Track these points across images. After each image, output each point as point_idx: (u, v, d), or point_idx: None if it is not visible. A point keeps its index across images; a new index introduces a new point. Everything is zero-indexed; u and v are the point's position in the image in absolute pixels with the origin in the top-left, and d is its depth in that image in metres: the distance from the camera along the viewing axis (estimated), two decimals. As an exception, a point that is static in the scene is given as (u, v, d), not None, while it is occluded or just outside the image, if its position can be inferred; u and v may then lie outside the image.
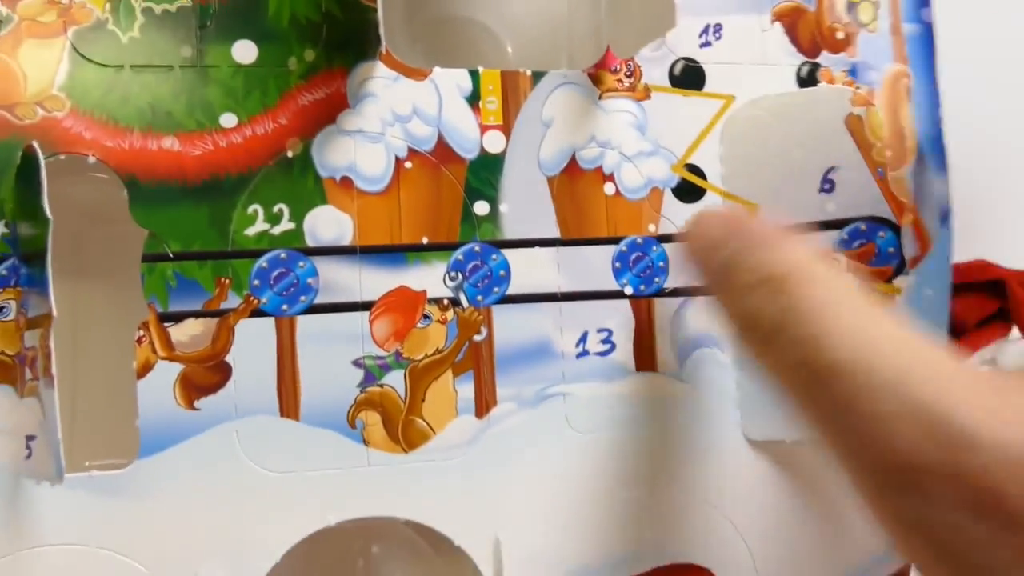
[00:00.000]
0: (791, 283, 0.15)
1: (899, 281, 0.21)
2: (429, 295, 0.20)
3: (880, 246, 0.21)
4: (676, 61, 0.22)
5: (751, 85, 0.22)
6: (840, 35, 0.23)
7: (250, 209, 0.19)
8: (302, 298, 0.19)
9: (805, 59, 0.23)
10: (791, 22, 0.23)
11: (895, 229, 0.21)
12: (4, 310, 0.18)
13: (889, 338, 0.14)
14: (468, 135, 0.20)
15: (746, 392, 0.22)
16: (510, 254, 0.21)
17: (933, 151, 0.23)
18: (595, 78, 0.21)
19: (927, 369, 0.13)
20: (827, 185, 0.22)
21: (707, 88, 0.22)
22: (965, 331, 0.45)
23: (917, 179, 0.23)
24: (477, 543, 0.19)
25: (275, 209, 0.19)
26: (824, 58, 0.23)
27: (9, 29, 0.18)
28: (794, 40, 0.23)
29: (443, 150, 0.20)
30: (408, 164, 0.20)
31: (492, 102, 0.21)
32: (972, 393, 0.13)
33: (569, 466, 0.20)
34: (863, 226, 0.21)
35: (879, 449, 0.13)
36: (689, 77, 0.22)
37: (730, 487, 0.22)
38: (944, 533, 0.12)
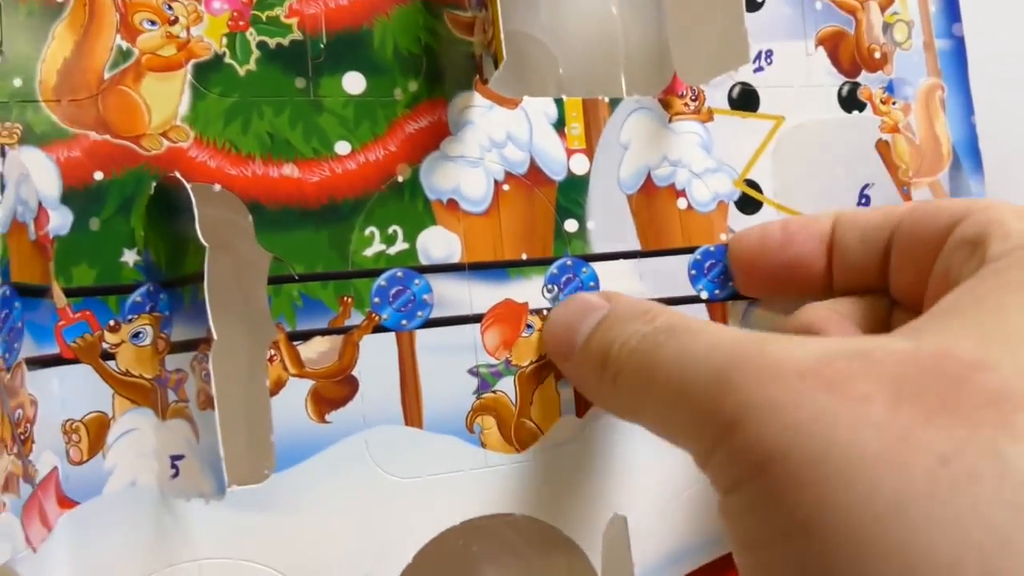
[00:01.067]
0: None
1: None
2: (531, 306, 0.22)
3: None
4: (734, 85, 0.24)
5: (798, 105, 0.25)
6: (877, 55, 0.26)
7: (367, 231, 0.20)
8: (419, 313, 0.21)
9: (845, 79, 0.25)
10: (833, 45, 0.25)
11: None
12: (140, 335, 0.19)
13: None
14: (556, 159, 0.22)
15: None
16: (598, 267, 0.22)
17: (968, 156, 0.26)
18: (665, 103, 0.23)
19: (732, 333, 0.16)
20: (864, 199, 0.25)
21: (761, 110, 0.24)
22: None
23: (954, 183, 0.25)
24: (585, 530, 0.21)
25: (390, 231, 0.21)
26: (863, 77, 0.25)
27: (130, 63, 0.19)
28: (835, 62, 0.25)
29: (535, 173, 0.22)
30: (506, 187, 0.22)
31: (575, 128, 0.22)
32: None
33: (660, 452, 0.22)
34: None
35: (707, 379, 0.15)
36: (745, 100, 0.24)
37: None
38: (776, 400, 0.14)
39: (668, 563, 0.22)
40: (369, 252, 0.20)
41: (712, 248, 0.23)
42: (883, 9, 0.26)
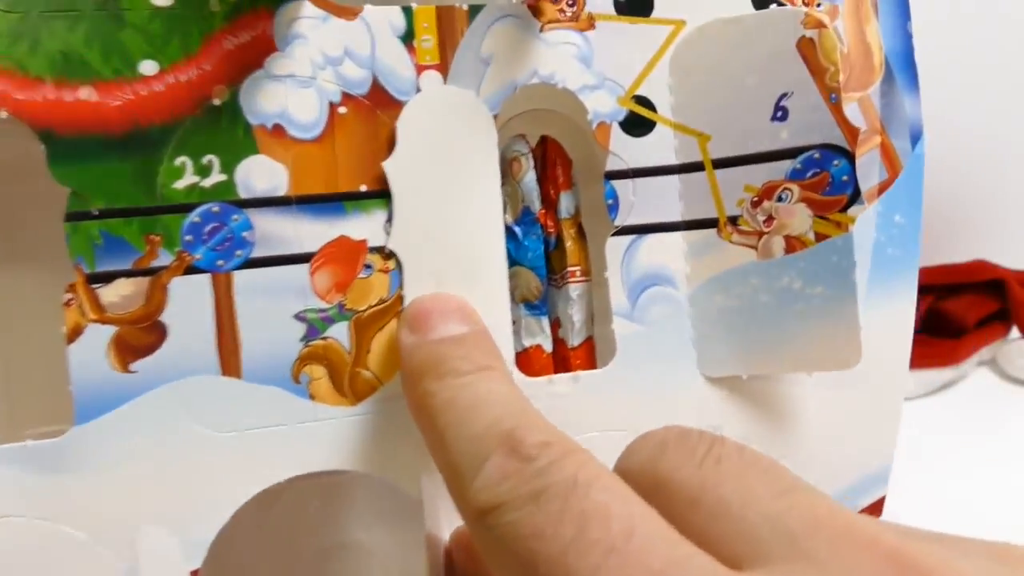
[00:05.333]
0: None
1: (854, 211, 0.20)
2: (370, 244, 0.19)
3: (834, 175, 0.20)
4: (622, -13, 0.21)
5: (703, 8, 0.21)
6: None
7: (177, 161, 0.18)
8: (238, 252, 0.19)
9: (761, -19, 0.22)
10: (743, -58, 0.22)
11: (849, 157, 0.20)
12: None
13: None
14: (403, 76, 0.20)
15: (700, 329, 0.21)
16: (454, 198, 0.20)
17: (902, 69, 0.22)
18: (535, 9, 0.20)
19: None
20: (780, 112, 0.21)
21: (655, 14, 0.21)
22: (965, 331, 0.45)
23: (885, 99, 0.22)
24: (429, 489, 0.19)
25: (204, 161, 0.18)
26: (779, -23, 0.22)
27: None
28: (748, -39, 0.22)
29: (378, 93, 0.19)
30: (342, 109, 0.19)
31: (427, 40, 0.20)
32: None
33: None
34: (817, 154, 0.20)
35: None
36: (635, 3, 0.21)
37: (694, 425, 0.21)
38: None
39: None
40: (180, 185, 0.18)
41: (588, 176, 0.21)
42: None
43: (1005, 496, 0.31)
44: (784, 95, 0.21)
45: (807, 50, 0.21)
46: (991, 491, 0.31)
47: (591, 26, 0.21)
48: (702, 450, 0.13)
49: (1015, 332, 0.47)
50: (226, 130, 0.19)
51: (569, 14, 0.21)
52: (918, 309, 0.24)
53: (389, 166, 0.19)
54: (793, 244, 0.21)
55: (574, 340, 0.21)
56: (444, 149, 0.19)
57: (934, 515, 0.26)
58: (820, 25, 0.20)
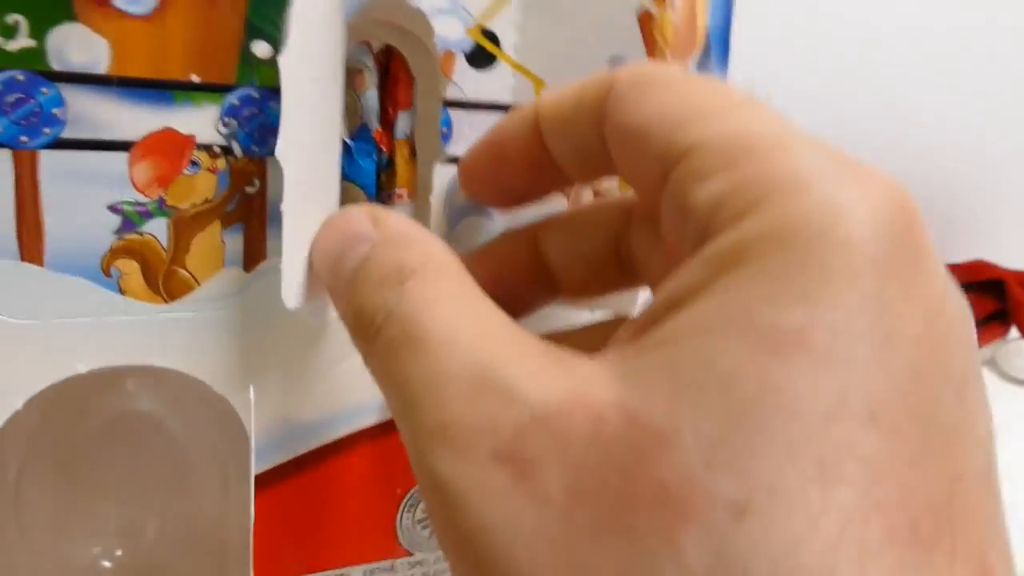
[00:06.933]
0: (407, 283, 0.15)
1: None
2: (198, 140, 0.19)
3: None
4: (486, -87, 0.21)
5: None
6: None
7: (-26, 16, 0.16)
8: (46, 130, 0.17)
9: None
10: None
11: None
12: None
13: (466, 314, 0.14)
14: (252, -38, 0.18)
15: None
16: (290, 103, 0.19)
17: (718, 43, 0.24)
18: (400, -82, 0.20)
19: (481, 332, 0.13)
20: (610, 71, 0.23)
21: (514, -52, 0.21)
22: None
23: (701, 69, 0.24)
24: (235, 390, 0.20)
25: (9, 20, 0.16)
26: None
27: None
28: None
29: (221, -25, 0.18)
30: (179, -13, 0.18)
31: (283, -74, 0.18)
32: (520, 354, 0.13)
33: (331, 318, 0.21)
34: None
35: (426, 405, 0.13)
36: (497, -66, 0.21)
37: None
38: (468, 484, 0.12)
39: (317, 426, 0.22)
40: (-22, 44, 0.16)
41: (428, 102, 0.21)
42: None
43: (1005, 496, 0.34)
44: (616, 57, 0.23)
45: (645, 22, 0.22)
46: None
47: (453, -54, 0.21)
48: None
49: (1014, 332, 0.46)
50: (38, -13, 0.16)
51: (433, -70, 0.20)
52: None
53: (284, 62, 0.18)
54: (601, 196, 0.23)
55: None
56: (316, 52, 0.19)
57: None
58: (662, 3, 0.22)
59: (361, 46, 0.21)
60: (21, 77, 0.17)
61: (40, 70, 0.17)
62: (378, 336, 0.15)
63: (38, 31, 0.17)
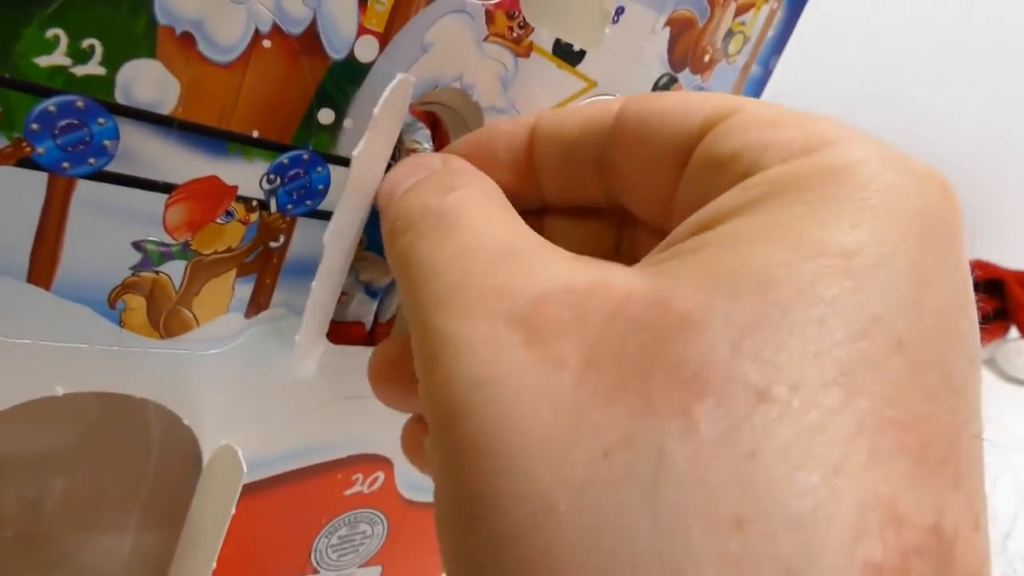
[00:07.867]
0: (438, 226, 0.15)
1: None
2: (240, 192, 0.18)
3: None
4: (569, 30, 0.21)
5: (616, 78, 0.22)
6: (707, 58, 0.24)
7: (49, 33, 0.14)
8: (91, 160, 0.16)
9: (669, 71, 0.23)
10: (678, 31, 0.23)
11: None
12: None
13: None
14: (344, 32, 0.18)
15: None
16: (336, 171, 0.19)
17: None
18: (490, 16, 0.20)
19: (513, 230, 0.14)
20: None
21: (581, 67, 0.22)
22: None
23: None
24: (215, 429, 0.20)
25: (85, 44, 0.15)
26: (684, 75, 0.24)
27: None
28: (670, 49, 0.23)
29: (311, 40, 0.17)
30: (267, 43, 0.17)
31: (381, 4, 0.18)
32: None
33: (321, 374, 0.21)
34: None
35: (447, 272, 0.13)
36: (571, 52, 0.21)
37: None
38: (478, 341, 0.12)
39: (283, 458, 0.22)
40: (44, 61, 0.15)
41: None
42: (737, 14, 0.24)
43: (1004, 496, 0.32)
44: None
45: None
46: (990, 491, 0.38)
47: (527, 54, 0.21)
48: None
49: (1014, 332, 0.45)
50: (124, 16, 0.15)
51: (515, 35, 0.20)
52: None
53: (357, 159, 0.18)
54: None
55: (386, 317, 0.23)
56: (383, 148, 0.18)
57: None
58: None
59: (419, 128, 0.21)
60: (81, 104, 0.15)
61: (102, 100, 0.15)
62: (412, 227, 0.15)
63: (112, 62, 0.15)
